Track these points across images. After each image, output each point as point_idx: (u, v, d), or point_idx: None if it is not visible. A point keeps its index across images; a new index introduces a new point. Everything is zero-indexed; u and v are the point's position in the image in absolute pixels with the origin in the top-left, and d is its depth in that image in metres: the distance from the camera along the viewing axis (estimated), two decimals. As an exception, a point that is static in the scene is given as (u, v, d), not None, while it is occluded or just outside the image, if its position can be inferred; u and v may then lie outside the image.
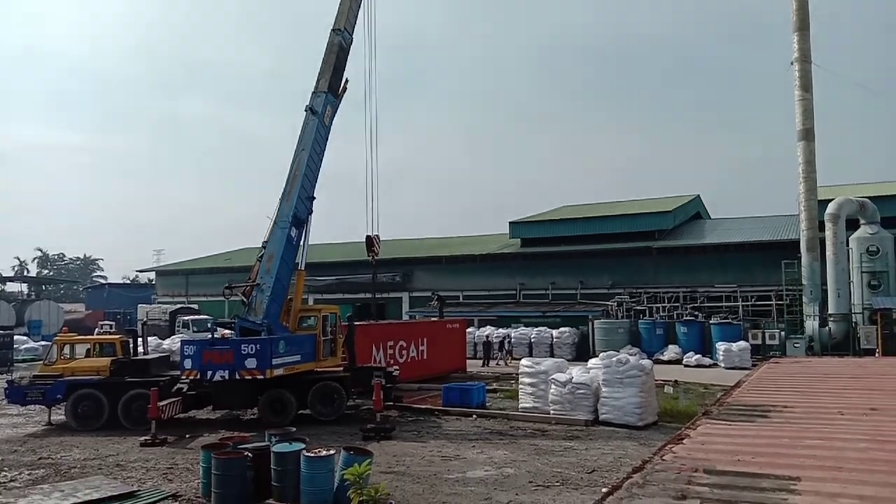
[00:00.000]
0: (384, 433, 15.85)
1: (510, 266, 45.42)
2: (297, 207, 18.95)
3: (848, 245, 32.69)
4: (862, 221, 33.17)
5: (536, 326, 37.20)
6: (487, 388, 21.70)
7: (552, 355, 32.06)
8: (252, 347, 17.02)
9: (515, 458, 13.53)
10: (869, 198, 33.69)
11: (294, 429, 13.18)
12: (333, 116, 20.40)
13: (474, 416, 18.27)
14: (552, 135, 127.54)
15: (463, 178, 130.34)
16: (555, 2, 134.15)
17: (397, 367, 21.19)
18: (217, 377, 17.18)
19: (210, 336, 19.24)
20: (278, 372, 17.20)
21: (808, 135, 34.62)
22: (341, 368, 19.22)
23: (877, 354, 26.80)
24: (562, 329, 36.30)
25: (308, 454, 10.33)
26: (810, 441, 4.90)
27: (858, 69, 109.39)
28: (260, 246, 19.43)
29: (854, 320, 31.92)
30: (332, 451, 10.53)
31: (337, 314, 19.89)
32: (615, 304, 39.01)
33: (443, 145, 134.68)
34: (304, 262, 19.67)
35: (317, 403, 17.94)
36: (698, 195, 51.47)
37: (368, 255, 23.80)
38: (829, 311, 32.64)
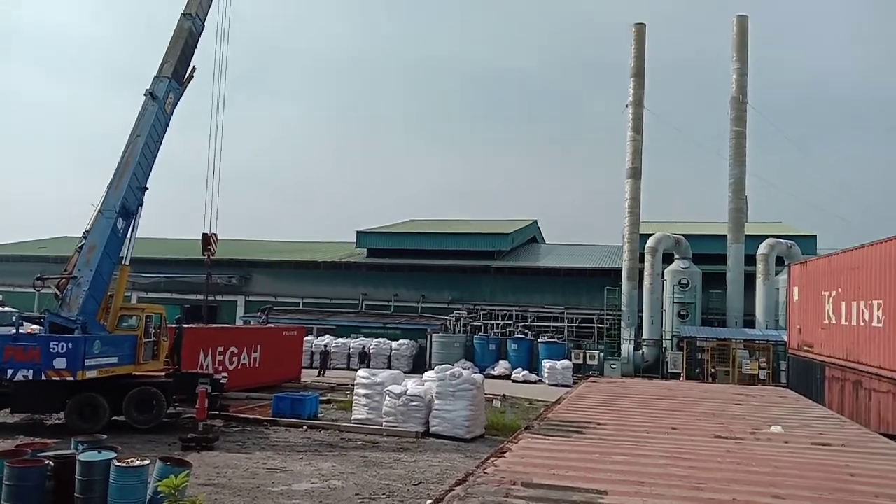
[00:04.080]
0: (206, 443, 15.04)
1: (354, 275, 45.17)
2: (126, 197, 17.64)
3: (663, 277, 35.93)
4: (676, 256, 36.62)
5: (377, 337, 37.24)
6: (322, 398, 21.36)
7: (390, 367, 32.22)
8: (62, 346, 15.54)
9: (344, 471, 13.37)
10: (684, 235, 37.28)
11: (105, 436, 12.16)
12: (176, 104, 19.28)
13: (305, 427, 17.87)
14: (406, 149, 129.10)
15: (310, 183, 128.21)
16: (428, 26, 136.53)
17: (226, 374, 20.25)
18: (20, 376, 15.54)
19: (14, 331, 17.28)
20: (91, 374, 15.85)
21: (635, 173, 37.77)
22: (163, 373, 18.06)
23: (681, 378, 29.53)
24: (401, 341, 36.62)
25: (119, 464, 9.53)
26: (618, 457, 5.25)
27: (685, 118, 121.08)
28: (80, 235, 17.83)
29: (664, 346, 35.06)
30: (146, 462, 9.80)
31: (163, 315, 18.68)
32: (453, 318, 40.04)
33: (292, 147, 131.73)
34: (129, 257, 18.30)
35: (133, 410, 16.70)
36: (535, 220, 54.35)
37: (204, 254, 22.67)
38: (643, 337, 35.66)
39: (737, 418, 7.61)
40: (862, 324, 14.73)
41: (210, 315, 37.89)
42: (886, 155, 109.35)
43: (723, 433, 6.60)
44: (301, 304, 44.75)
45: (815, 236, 39.47)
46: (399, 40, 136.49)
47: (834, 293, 16.86)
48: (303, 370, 29.63)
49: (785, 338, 24.40)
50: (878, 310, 13.77)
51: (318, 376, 30.88)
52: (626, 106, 38.49)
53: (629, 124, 38.17)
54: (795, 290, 20.91)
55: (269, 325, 33.45)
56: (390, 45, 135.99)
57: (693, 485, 4.49)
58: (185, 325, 20.58)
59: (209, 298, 37.28)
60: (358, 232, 47.81)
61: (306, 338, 33.42)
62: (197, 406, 15.75)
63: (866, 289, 14.59)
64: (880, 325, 13.67)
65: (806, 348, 19.19)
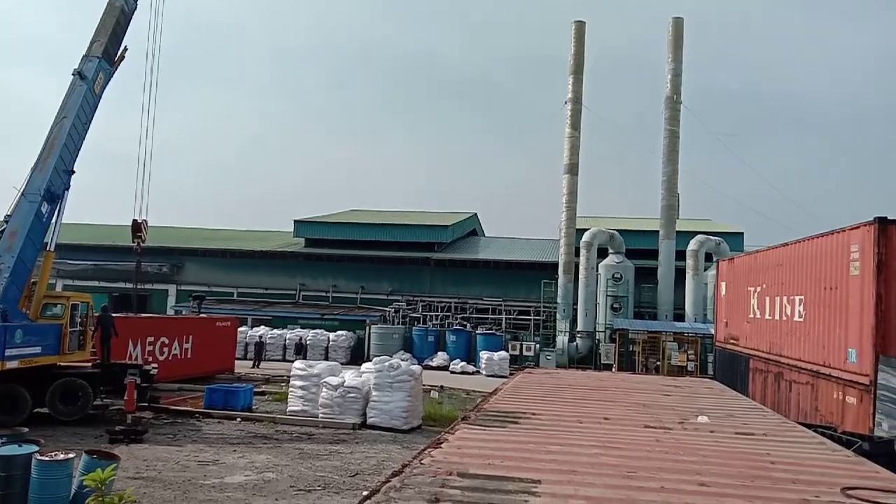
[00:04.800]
0: (134, 436, 14.62)
1: (292, 265, 44.48)
2: (51, 180, 16.88)
3: (597, 271, 36.76)
4: (610, 251, 37.50)
5: (314, 328, 36.83)
6: (256, 390, 21.03)
7: (327, 358, 31.96)
8: (-20, 335, 14.79)
9: (278, 463, 13.21)
10: (618, 230, 38.21)
11: (27, 429, 11.69)
12: (105, 85, 18.54)
13: (238, 419, 17.56)
14: (349, 139, 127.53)
15: (248, 170, 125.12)
16: (372, 13, 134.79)
17: (156, 365, 19.69)
18: (-68, 367, 14.71)
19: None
20: (12, 364, 15.18)
21: (573, 169, 38.43)
22: (90, 364, 17.43)
23: (613, 369, 30.31)
24: (339, 332, 36.34)
25: (41, 458, 9.15)
26: (552, 446, 5.36)
27: (622, 115, 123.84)
28: (2, 220, 16.97)
29: (598, 338, 35.92)
30: (70, 455, 9.44)
31: (90, 303, 18.01)
32: (393, 310, 39.98)
33: (229, 134, 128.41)
34: (54, 243, 17.55)
35: (57, 402, 16.09)
36: (475, 213, 54.68)
37: (133, 241, 21.95)
38: (578, 329, 36.44)
39: (666, 409, 7.86)
40: (784, 318, 15.42)
41: (140, 304, 36.74)
42: (812, 154, 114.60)
43: (652, 423, 6.81)
44: (235, 294, 43.82)
45: (742, 233, 41.03)
46: (344, 29, 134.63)
47: (759, 289, 17.58)
48: (237, 361, 29.09)
49: (712, 331, 25.32)
50: (800, 305, 14.44)
51: (253, 368, 30.36)
52: (565, 102, 39.07)
53: (567, 121, 38.78)
54: (723, 285, 21.71)
55: (201, 314, 32.67)
56: (334, 32, 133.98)
57: (623, 473, 4.62)
58: (113, 314, 19.90)
59: (139, 287, 36.11)
60: (295, 221, 47.08)
61: (241, 328, 32.85)
62: (125, 398, 15.29)
63: (789, 285, 15.27)
64: (801, 319, 14.34)
65: (732, 341, 19.97)
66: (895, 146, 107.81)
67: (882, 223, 11.11)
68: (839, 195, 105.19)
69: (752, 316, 18.04)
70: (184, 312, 38.34)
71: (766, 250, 18.00)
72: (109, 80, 18.66)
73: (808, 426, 7.97)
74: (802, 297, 14.32)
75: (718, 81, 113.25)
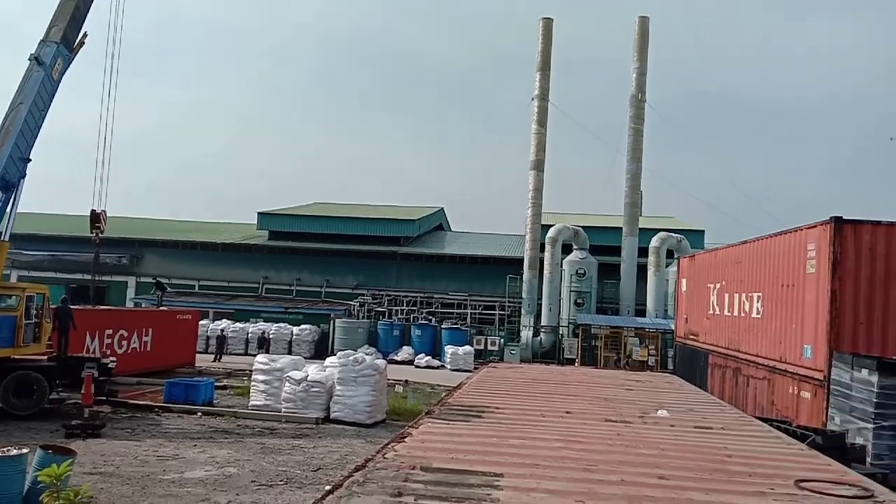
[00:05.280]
0: (92, 430, 14.30)
1: (255, 258, 43.99)
2: (6, 168, 16.39)
3: (562, 266, 37.09)
4: (575, 247, 37.87)
5: (277, 322, 36.47)
6: (218, 384, 20.77)
7: (290, 352, 31.69)
8: (-70, 327, 14.33)
9: (240, 458, 13.07)
10: (583, 227, 38.60)
11: (-24, 425, 11.34)
12: (64, 71, 18.06)
13: (199, 413, 17.32)
14: (314, 132, 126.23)
15: (211, 162, 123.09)
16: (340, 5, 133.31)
17: (114, 359, 19.28)
18: None
19: None
20: (-38, 358, 14.71)
21: (538, 165, 38.67)
22: (46, 357, 17.00)
23: (576, 364, 30.64)
24: (302, 326, 36.04)
25: (-8, 454, 8.92)
26: (515, 440, 5.39)
27: (588, 113, 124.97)
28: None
29: (561, 333, 36.26)
30: (24, 450, 9.21)
31: (45, 295, 17.55)
32: (358, 304, 39.79)
33: (193, 125, 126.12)
34: (8, 233, 17.06)
35: (11, 395, 15.68)
36: (442, 208, 54.73)
37: (92, 232, 21.46)
38: (542, 324, 36.74)
39: (627, 403, 7.97)
40: (743, 314, 15.75)
41: (98, 296, 35.89)
42: (773, 154, 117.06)
43: (613, 417, 6.89)
44: (197, 287, 43.20)
45: (703, 231, 41.82)
46: (312, 20, 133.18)
47: (718, 285, 17.93)
48: (198, 355, 28.72)
49: (672, 326, 25.76)
50: (758, 302, 14.77)
51: (214, 361, 30.01)
52: (532, 99, 39.27)
53: (534, 117, 38.98)
54: (683, 281, 22.09)
55: (162, 307, 32.11)
56: (301, 23, 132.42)
57: (585, 466, 4.67)
58: (72, 306, 19.44)
59: (97, 278, 35.28)
60: (259, 213, 46.56)
61: (202, 322, 32.39)
62: (82, 391, 14.95)
63: (748, 282, 15.60)
64: (759, 316, 14.67)
65: (692, 337, 20.34)
66: (857, 147, 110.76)
67: (838, 223, 11.41)
68: (800, 195, 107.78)
69: (711, 312, 18.40)
70: (143, 305, 37.61)
71: (725, 248, 18.36)
72: (68, 66, 18.17)
73: (765, 420, 8.16)
74: (760, 293, 14.65)
75: (687, 81, 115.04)
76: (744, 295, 15.75)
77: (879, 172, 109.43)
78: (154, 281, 36.58)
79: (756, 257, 15.14)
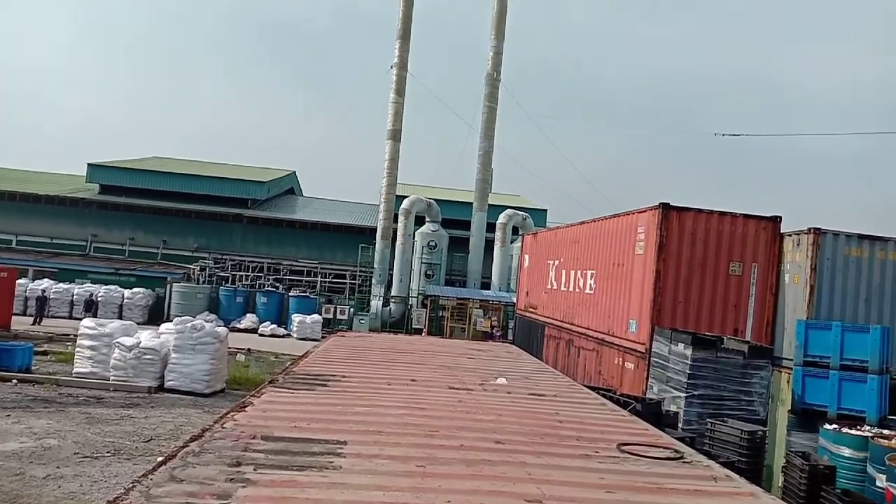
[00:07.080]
0: None
1: (83, 213, 40.49)
2: None
3: (414, 238, 37.53)
4: (427, 219, 38.41)
5: (107, 284, 33.90)
6: (37, 349, 19.05)
7: (121, 317, 29.71)
8: None
9: (61, 429, 12.11)
10: (436, 200, 39.18)
11: None
12: None
13: (14, 381, 15.81)
14: (149, 76, 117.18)
15: (28, 99, 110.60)
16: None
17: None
18: None
19: None
20: None
21: (395, 135, 38.62)
22: None
23: (424, 333, 31.25)
24: (135, 289, 33.82)
25: None
26: (360, 408, 5.43)
27: (447, 86, 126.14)
28: None
29: (410, 303, 36.79)
30: None
31: None
32: (198, 268, 37.94)
33: (28, 61, 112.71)
34: None
35: None
36: (294, 172, 53.21)
37: None
38: (392, 294, 37.06)
39: (468, 371, 8.26)
40: (577, 290, 16.81)
41: None
42: (619, 140, 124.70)
43: (456, 384, 7.13)
44: (14, 242, 39.15)
45: (546, 210, 43.93)
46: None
47: (557, 262, 18.97)
48: (14, 317, 26.16)
49: (515, 299, 26.97)
50: (591, 279, 15.80)
51: (33, 325, 27.55)
52: (391, 67, 39.00)
53: (392, 86, 38.74)
54: (526, 257, 23.14)
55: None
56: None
57: (427, 432, 4.80)
58: None
59: None
60: (89, 164, 42.78)
61: (20, 280, 29.55)
62: None
63: (583, 260, 16.63)
64: (591, 292, 15.71)
65: (531, 309, 21.41)
66: (697, 138, 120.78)
67: (665, 208, 12.41)
68: (637, 180, 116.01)
69: (549, 287, 19.45)
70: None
71: (565, 227, 19.42)
72: None
73: (593, 388, 8.80)
74: (594, 271, 15.67)
75: (544, 63, 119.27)
76: (579, 272, 16.79)
77: (706, 165, 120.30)
78: None
79: (591, 237, 16.15)
